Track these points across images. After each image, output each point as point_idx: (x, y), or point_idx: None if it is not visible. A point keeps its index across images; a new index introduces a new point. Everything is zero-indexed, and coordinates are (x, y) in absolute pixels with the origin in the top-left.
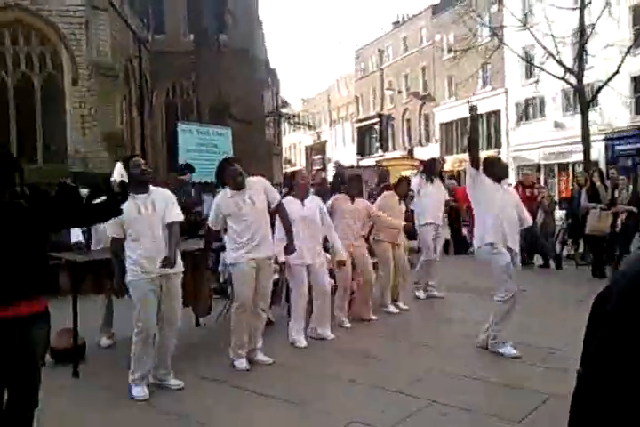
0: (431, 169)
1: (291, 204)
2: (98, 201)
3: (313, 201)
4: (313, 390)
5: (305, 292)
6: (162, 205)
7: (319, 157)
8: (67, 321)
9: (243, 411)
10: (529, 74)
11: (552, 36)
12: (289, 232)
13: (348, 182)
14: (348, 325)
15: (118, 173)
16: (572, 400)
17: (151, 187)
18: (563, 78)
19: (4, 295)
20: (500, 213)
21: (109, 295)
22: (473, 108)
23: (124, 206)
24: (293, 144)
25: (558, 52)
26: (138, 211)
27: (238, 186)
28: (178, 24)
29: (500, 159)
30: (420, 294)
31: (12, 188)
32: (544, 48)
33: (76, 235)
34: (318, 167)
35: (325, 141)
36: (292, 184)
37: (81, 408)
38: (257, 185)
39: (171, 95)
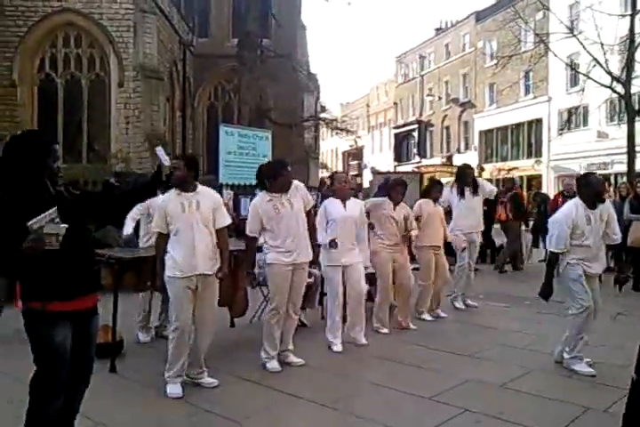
0: (462, 179)
1: (332, 204)
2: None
3: (356, 203)
4: (345, 394)
5: (339, 293)
6: (208, 205)
7: (356, 162)
8: (106, 317)
9: (274, 410)
10: (574, 82)
11: (600, 43)
12: (313, 239)
13: (393, 188)
14: (385, 331)
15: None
16: (627, 407)
17: (199, 186)
18: (609, 87)
19: (84, 288)
20: (592, 245)
21: (151, 292)
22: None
23: (171, 204)
24: (331, 149)
25: (606, 60)
26: (182, 209)
27: (283, 190)
28: (222, 28)
29: (594, 177)
30: (458, 304)
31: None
32: (591, 56)
33: (128, 228)
34: (354, 173)
35: (362, 147)
36: (333, 186)
37: (117, 402)
38: (295, 189)
39: (213, 98)
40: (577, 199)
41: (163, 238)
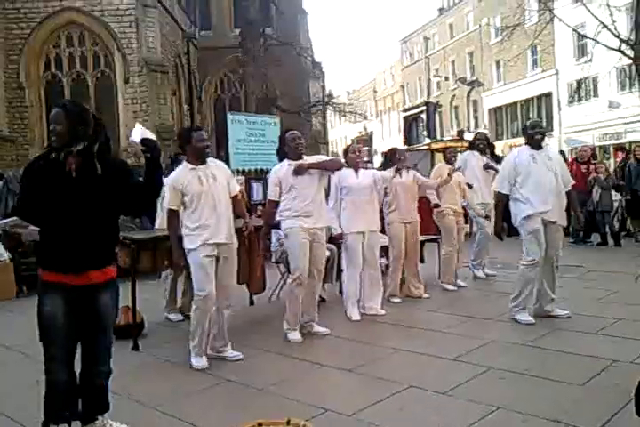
0: (475, 144)
1: (346, 174)
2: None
3: (367, 172)
4: (369, 359)
5: (360, 262)
6: (222, 176)
7: (366, 148)
8: (125, 299)
9: (299, 378)
10: (581, 53)
11: (607, 5)
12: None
13: (393, 154)
14: (398, 300)
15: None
16: None
17: (208, 159)
18: (619, 50)
19: (78, 264)
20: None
21: (175, 271)
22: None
23: (187, 179)
24: (340, 138)
25: (613, 22)
26: (200, 182)
27: (299, 152)
28: (223, 19)
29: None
30: (479, 272)
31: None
32: (597, 19)
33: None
34: (366, 159)
35: (372, 133)
36: (345, 157)
37: (140, 377)
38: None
39: (219, 90)
40: (520, 148)
41: (175, 215)
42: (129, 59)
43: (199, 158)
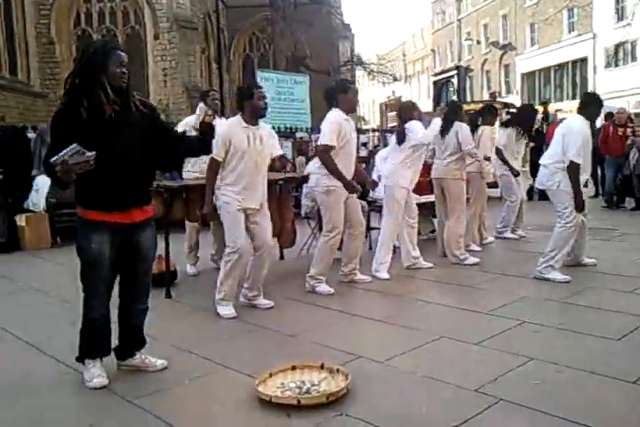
0: (528, 122)
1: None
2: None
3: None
4: (399, 311)
5: (400, 217)
6: (267, 140)
7: (394, 113)
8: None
9: (328, 326)
10: (621, 16)
11: None
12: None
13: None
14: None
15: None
16: None
17: (260, 121)
18: None
19: (123, 202)
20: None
21: (200, 224)
22: None
23: (238, 136)
24: (367, 102)
25: None
26: (247, 143)
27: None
28: None
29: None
30: (508, 234)
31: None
32: None
33: None
34: (393, 124)
35: (400, 97)
36: (414, 111)
37: (174, 323)
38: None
39: (247, 49)
40: (581, 117)
41: (217, 165)
42: (159, 15)
43: (254, 117)
